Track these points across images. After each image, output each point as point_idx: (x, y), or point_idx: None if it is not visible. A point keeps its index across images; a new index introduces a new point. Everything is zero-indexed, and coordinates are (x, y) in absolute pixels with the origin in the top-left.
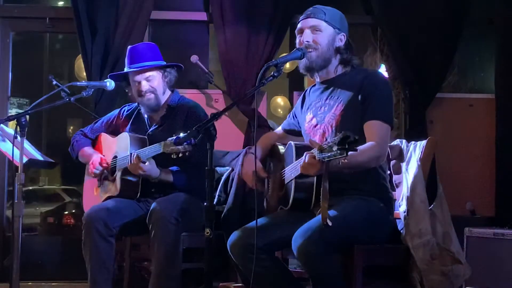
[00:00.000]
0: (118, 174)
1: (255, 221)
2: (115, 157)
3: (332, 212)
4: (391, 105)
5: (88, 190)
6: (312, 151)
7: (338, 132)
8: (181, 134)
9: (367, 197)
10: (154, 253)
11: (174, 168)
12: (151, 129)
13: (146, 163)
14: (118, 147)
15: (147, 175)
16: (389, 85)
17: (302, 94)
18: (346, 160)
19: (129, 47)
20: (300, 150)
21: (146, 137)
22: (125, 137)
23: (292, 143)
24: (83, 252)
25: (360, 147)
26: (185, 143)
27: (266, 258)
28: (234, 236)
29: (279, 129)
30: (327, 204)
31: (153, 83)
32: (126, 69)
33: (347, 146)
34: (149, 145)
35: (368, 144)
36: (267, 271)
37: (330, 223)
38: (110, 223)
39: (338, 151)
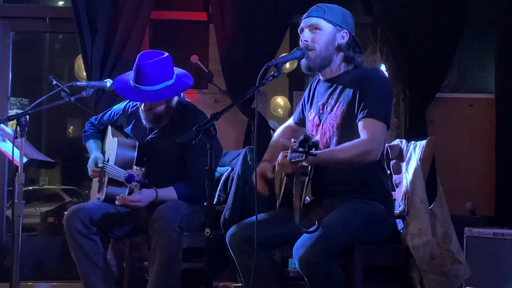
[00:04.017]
0: (105, 180)
1: (254, 218)
2: (109, 159)
3: (332, 218)
4: (387, 102)
5: (94, 186)
6: (286, 150)
7: (339, 133)
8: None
9: (368, 200)
10: (154, 260)
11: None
12: (150, 136)
13: (136, 194)
14: (110, 150)
15: (142, 205)
16: (387, 82)
17: (309, 85)
18: (305, 164)
19: (139, 58)
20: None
21: (136, 142)
22: (114, 143)
23: (293, 139)
24: (72, 255)
25: (346, 144)
26: (132, 182)
27: (262, 255)
28: (233, 228)
29: (291, 122)
30: (298, 208)
31: (157, 109)
32: (131, 82)
33: (306, 149)
34: (144, 151)
35: (354, 141)
36: (262, 268)
37: (303, 229)
38: (87, 221)
39: (298, 152)
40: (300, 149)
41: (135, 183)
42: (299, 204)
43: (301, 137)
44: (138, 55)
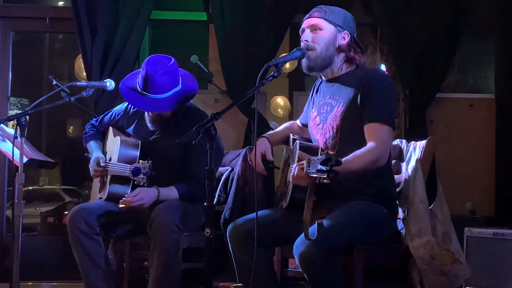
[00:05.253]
0: (108, 179)
1: (255, 214)
2: (111, 158)
3: (334, 217)
4: (391, 103)
5: (95, 186)
6: (302, 162)
7: (339, 134)
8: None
9: (371, 202)
10: (153, 260)
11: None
12: (152, 136)
13: (135, 192)
14: (112, 149)
15: (145, 204)
16: (389, 82)
17: (314, 84)
18: (327, 181)
19: (147, 65)
20: (303, 151)
21: (139, 141)
22: (117, 142)
23: (298, 142)
24: (74, 255)
25: (356, 153)
26: (140, 174)
27: (261, 253)
28: (234, 223)
29: (297, 121)
30: (309, 220)
31: (164, 114)
32: (138, 88)
33: (328, 168)
34: (147, 151)
35: (364, 149)
36: (258, 266)
37: (313, 237)
38: (91, 221)
39: (320, 171)
40: (323, 168)
41: (142, 176)
42: (309, 218)
43: (323, 157)
44: (145, 60)
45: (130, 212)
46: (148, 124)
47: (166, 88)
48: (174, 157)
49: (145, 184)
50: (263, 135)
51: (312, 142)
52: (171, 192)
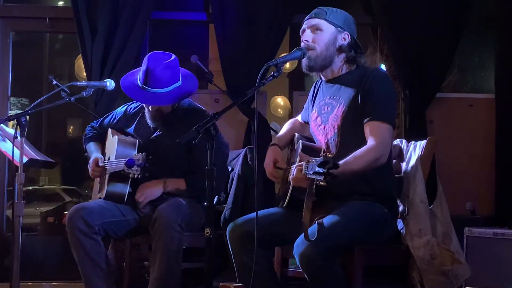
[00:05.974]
0: (106, 178)
1: (255, 214)
2: (109, 158)
3: (334, 217)
4: (391, 102)
5: (95, 187)
6: (301, 163)
7: (340, 134)
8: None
9: (371, 202)
10: (155, 260)
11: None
12: (154, 135)
13: (139, 192)
14: (111, 149)
15: (148, 196)
16: (389, 81)
17: (313, 85)
18: (323, 184)
19: (149, 60)
20: (305, 151)
21: (137, 140)
22: (115, 141)
23: (301, 142)
24: (73, 255)
25: (356, 153)
26: (134, 166)
27: (261, 253)
28: (234, 223)
29: (299, 118)
30: (308, 221)
31: (164, 109)
32: (139, 83)
33: (325, 171)
34: (149, 150)
35: (364, 148)
36: (258, 266)
37: (313, 238)
38: (90, 220)
39: (317, 173)
40: (320, 170)
41: (136, 168)
42: (308, 219)
43: (321, 159)
44: (147, 56)
45: (130, 213)
46: (149, 121)
47: (166, 82)
48: (176, 154)
49: (139, 176)
50: (273, 142)
51: (315, 142)
52: (179, 183)
